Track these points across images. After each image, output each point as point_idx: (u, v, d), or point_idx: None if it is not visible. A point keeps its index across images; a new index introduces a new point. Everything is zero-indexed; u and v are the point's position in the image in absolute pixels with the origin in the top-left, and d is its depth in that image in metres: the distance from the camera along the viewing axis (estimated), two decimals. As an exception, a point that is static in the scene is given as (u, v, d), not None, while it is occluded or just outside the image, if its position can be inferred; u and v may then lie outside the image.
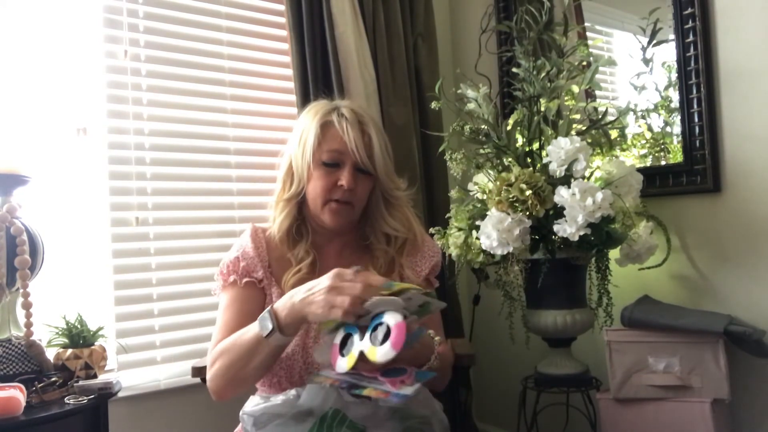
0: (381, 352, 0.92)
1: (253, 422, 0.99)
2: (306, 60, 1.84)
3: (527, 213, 1.44)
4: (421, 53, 2.09)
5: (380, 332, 0.94)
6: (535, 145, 1.60)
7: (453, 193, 1.70)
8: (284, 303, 1.06)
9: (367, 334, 0.96)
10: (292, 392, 1.03)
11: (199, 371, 1.38)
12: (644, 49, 1.56)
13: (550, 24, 1.60)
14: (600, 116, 1.58)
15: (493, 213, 1.46)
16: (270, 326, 1.05)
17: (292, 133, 1.33)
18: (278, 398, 1.03)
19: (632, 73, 1.63)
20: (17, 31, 1.63)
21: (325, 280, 1.01)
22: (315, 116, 1.27)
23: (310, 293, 1.02)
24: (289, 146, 1.32)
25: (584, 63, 1.61)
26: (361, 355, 0.95)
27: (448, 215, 1.68)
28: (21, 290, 1.44)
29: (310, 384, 1.02)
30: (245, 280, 1.25)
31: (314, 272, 1.25)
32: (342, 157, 1.24)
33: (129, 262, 1.69)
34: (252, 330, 1.09)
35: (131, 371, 1.67)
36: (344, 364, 0.97)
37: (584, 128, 1.61)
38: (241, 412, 1.03)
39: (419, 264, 1.36)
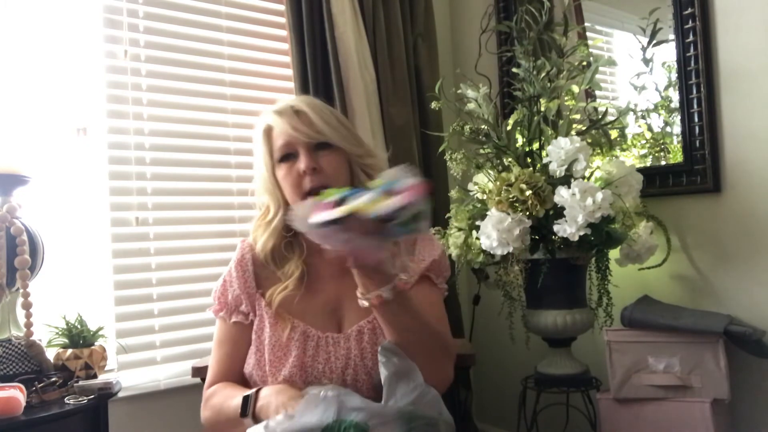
0: (391, 201, 0.91)
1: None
2: (306, 60, 1.84)
3: (527, 213, 1.44)
4: (421, 53, 2.09)
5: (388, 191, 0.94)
6: (535, 145, 1.60)
7: (453, 193, 1.70)
8: (267, 394, 1.08)
9: (373, 193, 0.93)
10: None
11: (199, 371, 1.38)
12: (644, 49, 1.57)
13: (550, 24, 1.60)
14: (600, 116, 1.58)
15: (493, 213, 1.46)
16: (246, 411, 1.08)
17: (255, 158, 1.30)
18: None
19: (632, 73, 1.63)
20: (17, 31, 1.63)
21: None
22: (259, 132, 1.25)
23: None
24: (255, 171, 1.31)
25: (584, 63, 1.61)
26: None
27: (448, 215, 1.69)
28: (21, 290, 1.44)
29: (307, 396, 1.00)
30: (233, 319, 1.23)
31: (301, 287, 1.21)
32: (291, 147, 1.20)
33: (129, 262, 1.69)
34: (236, 402, 1.11)
35: (131, 371, 1.67)
36: (338, 212, 0.91)
37: (584, 128, 1.61)
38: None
39: (420, 253, 1.25)
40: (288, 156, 1.20)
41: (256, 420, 1.06)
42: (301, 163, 1.17)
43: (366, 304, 1.06)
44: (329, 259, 1.02)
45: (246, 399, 1.09)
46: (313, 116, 1.20)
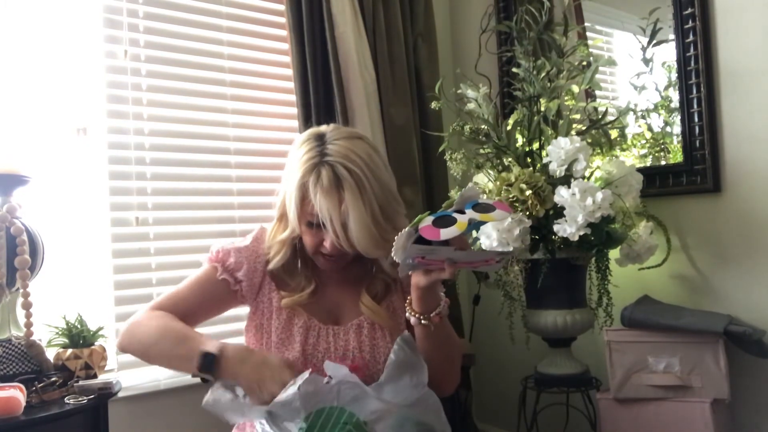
0: (498, 214, 1.03)
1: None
2: (306, 60, 1.84)
3: (527, 213, 1.44)
4: (421, 53, 2.09)
5: (483, 207, 1.04)
6: (535, 145, 1.60)
7: (453, 193, 1.70)
8: (234, 360, 1.06)
9: (469, 210, 1.02)
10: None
11: (199, 371, 1.38)
12: (644, 49, 1.57)
13: (550, 24, 1.61)
14: (600, 116, 1.58)
15: (493, 213, 1.45)
16: (212, 369, 1.06)
17: (284, 171, 1.22)
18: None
19: (632, 73, 1.63)
20: (17, 31, 1.63)
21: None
22: (298, 169, 1.14)
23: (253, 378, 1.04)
24: (282, 186, 1.23)
25: (584, 63, 1.61)
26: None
27: (448, 215, 1.68)
28: (21, 290, 1.44)
29: (310, 377, 1.01)
30: (223, 276, 1.22)
31: (314, 299, 1.23)
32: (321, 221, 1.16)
33: (129, 262, 1.69)
34: (194, 346, 1.09)
35: (131, 371, 1.66)
36: (453, 230, 0.99)
37: (584, 128, 1.61)
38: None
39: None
40: (316, 223, 1.16)
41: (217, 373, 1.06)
42: (327, 244, 1.16)
43: (425, 323, 1.10)
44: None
45: (209, 357, 1.06)
46: (353, 218, 1.11)
